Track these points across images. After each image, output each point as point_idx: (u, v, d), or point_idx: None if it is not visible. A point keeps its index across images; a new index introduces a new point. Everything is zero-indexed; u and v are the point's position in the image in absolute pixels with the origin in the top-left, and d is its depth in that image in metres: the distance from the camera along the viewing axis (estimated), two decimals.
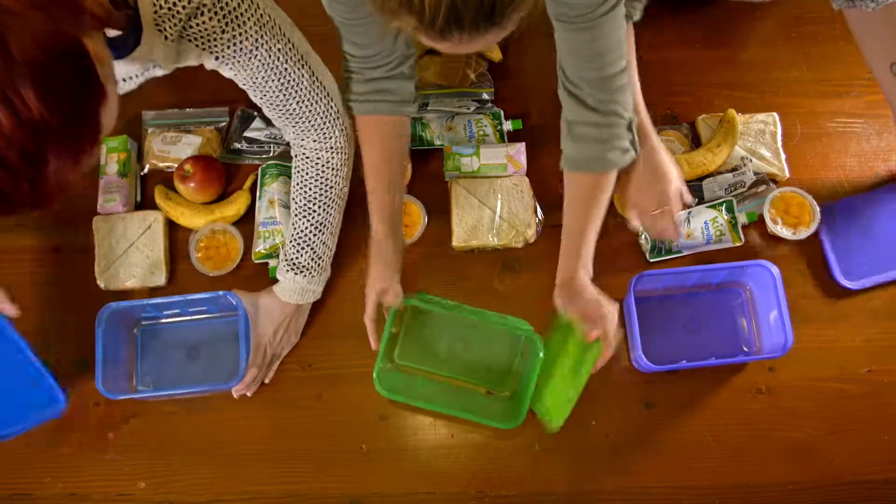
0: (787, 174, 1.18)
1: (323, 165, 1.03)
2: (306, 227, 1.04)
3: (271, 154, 1.20)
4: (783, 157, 1.19)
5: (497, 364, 1.10)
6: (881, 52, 0.99)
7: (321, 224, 1.04)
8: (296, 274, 1.04)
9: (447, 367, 1.10)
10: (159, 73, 0.92)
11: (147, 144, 1.20)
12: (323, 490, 1.06)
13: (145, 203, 1.19)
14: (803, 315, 1.10)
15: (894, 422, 1.08)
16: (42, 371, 0.99)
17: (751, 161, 1.17)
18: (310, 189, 1.04)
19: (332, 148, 1.03)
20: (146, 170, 1.20)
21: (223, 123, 1.23)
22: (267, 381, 1.10)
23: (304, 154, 1.04)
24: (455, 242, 1.13)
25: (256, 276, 1.13)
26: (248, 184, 1.18)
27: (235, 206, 1.16)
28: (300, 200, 1.04)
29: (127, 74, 0.91)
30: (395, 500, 1.06)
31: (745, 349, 1.10)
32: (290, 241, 1.05)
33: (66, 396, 0.99)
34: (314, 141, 1.02)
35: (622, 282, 1.06)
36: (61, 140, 0.60)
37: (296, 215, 1.05)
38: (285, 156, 1.20)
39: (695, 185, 1.16)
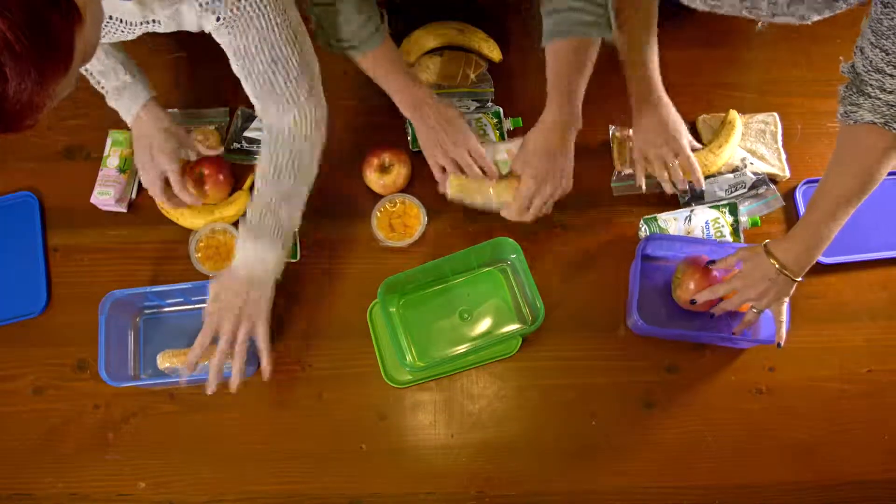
0: (787, 174, 1.18)
1: (298, 139, 1.02)
2: (272, 196, 1.01)
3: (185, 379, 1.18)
4: (784, 156, 1.19)
5: (505, 307, 1.12)
6: None
7: (287, 195, 1.02)
8: (256, 241, 1.00)
9: (467, 340, 1.10)
10: (159, 29, 0.92)
11: None
12: (323, 490, 1.06)
13: (140, 201, 1.19)
14: (803, 314, 1.10)
15: (894, 422, 1.08)
16: (42, 268, 1.11)
17: (752, 163, 1.17)
18: (281, 159, 1.01)
19: (310, 124, 1.02)
20: None
21: (223, 123, 1.23)
22: (266, 374, 1.04)
23: (278, 128, 1.03)
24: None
25: None
26: (247, 184, 1.18)
27: (235, 206, 1.16)
28: (269, 170, 1.02)
29: (125, 16, 0.90)
30: (395, 500, 1.06)
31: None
32: (254, 210, 1.01)
33: (47, 303, 1.11)
34: (294, 118, 1.02)
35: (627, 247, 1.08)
36: (21, 58, 0.57)
37: (263, 185, 1.02)
38: None
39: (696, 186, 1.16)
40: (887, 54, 0.82)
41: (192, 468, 1.07)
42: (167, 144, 1.08)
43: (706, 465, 1.06)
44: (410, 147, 1.19)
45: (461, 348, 1.10)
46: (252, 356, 1.03)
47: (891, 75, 0.83)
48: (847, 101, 0.90)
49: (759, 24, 1.02)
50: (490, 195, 1.09)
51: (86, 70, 1.05)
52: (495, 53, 1.26)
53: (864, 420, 1.08)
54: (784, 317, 1.01)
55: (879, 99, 0.87)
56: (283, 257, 1.03)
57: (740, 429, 1.08)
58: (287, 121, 1.02)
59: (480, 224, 1.16)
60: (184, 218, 1.15)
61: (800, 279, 0.98)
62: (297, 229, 1.06)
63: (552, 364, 1.11)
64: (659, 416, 1.08)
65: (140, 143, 1.09)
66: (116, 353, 1.07)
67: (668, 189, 1.14)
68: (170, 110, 1.22)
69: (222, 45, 0.94)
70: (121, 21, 0.91)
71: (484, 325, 1.11)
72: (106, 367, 1.03)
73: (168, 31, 0.92)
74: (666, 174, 1.13)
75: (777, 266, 0.97)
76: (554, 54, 1.04)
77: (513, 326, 1.10)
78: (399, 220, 1.16)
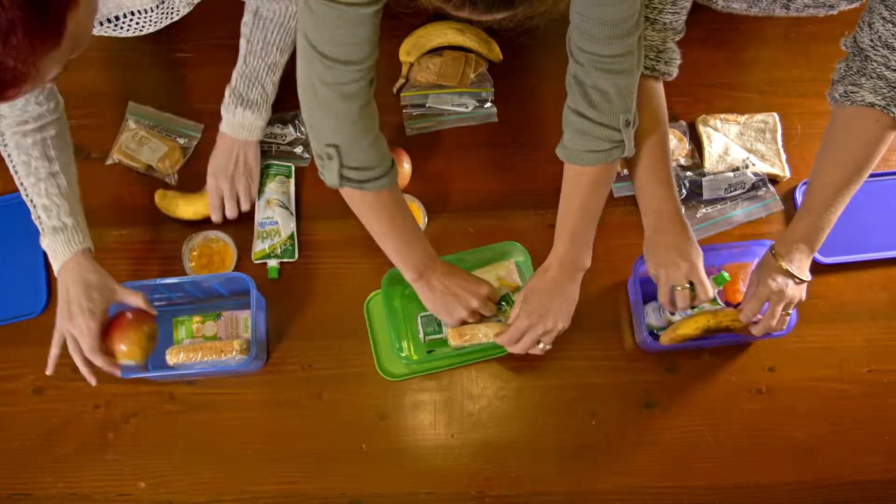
0: (787, 174, 1.18)
1: (289, 16, 1.08)
2: (260, 66, 1.10)
3: (272, 153, 1.20)
4: (784, 157, 1.19)
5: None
6: None
7: (275, 66, 1.11)
8: (244, 109, 1.10)
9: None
10: (183, 9, 0.93)
11: (121, 136, 1.20)
12: (323, 490, 1.06)
13: (139, 202, 1.19)
14: (803, 314, 1.10)
15: (894, 422, 1.08)
16: (42, 268, 1.12)
17: (753, 164, 1.17)
18: (271, 33, 1.09)
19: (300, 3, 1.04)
20: (112, 160, 1.20)
21: (194, 141, 1.22)
22: (245, 208, 1.15)
23: (268, 4, 1.07)
24: None
25: (255, 277, 1.13)
26: None
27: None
28: (257, 41, 1.09)
29: (142, 6, 0.92)
30: (395, 500, 1.06)
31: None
32: (241, 78, 1.10)
33: (47, 303, 1.12)
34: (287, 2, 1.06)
35: (625, 263, 1.06)
36: (13, 22, 0.58)
37: (249, 55, 1.10)
38: (284, 156, 1.20)
39: (696, 183, 1.16)
40: None
41: (192, 468, 1.07)
42: (88, 303, 0.97)
43: (706, 465, 1.06)
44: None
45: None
46: (255, 357, 1.03)
47: None
48: (847, 80, 0.88)
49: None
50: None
51: (29, 200, 1.01)
52: (495, 53, 1.26)
53: (864, 420, 1.08)
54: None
55: (883, 79, 0.85)
56: (265, 122, 1.13)
57: (740, 429, 1.08)
58: (280, 3, 1.06)
59: (481, 224, 1.16)
60: (179, 209, 1.16)
61: (807, 278, 0.96)
62: (274, 95, 1.14)
63: (551, 364, 1.11)
64: (659, 416, 1.08)
65: (62, 297, 0.99)
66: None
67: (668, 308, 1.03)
68: (152, 108, 1.21)
69: None
70: (132, 14, 0.91)
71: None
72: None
73: (183, 10, 0.91)
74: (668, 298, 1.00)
75: (786, 268, 0.94)
76: (569, 180, 0.97)
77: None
78: None
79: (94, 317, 0.96)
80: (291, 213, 1.16)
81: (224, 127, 1.12)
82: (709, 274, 0.99)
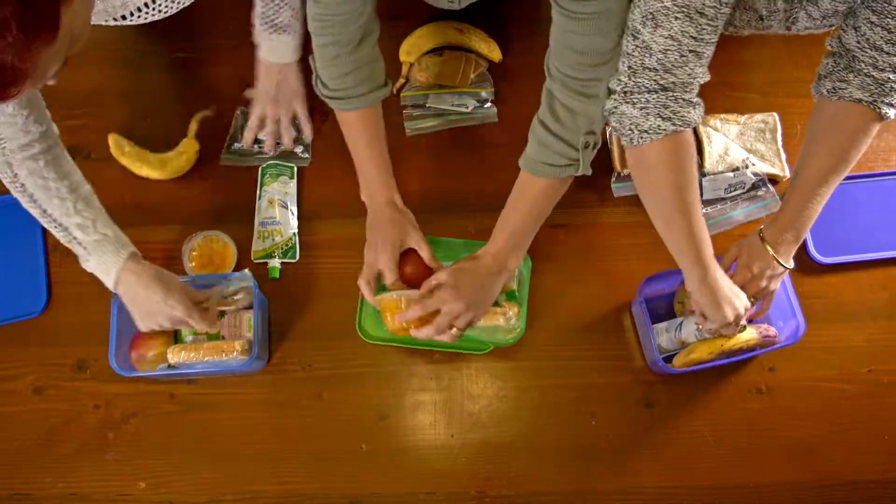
0: (787, 174, 1.18)
1: None
2: None
3: (271, 154, 1.20)
4: (784, 157, 1.19)
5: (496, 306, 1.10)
6: None
7: None
8: (276, 33, 1.10)
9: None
10: None
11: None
12: (323, 490, 1.06)
13: (138, 202, 1.19)
14: (803, 314, 1.10)
15: (894, 422, 1.08)
16: (42, 268, 1.11)
17: (753, 164, 1.17)
18: None
19: None
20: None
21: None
22: (307, 138, 1.18)
23: None
24: None
25: (256, 276, 1.13)
26: (193, 130, 1.19)
27: (185, 156, 1.18)
28: None
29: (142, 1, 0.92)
30: (395, 500, 1.06)
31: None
32: (267, 4, 1.08)
33: (47, 303, 1.11)
34: None
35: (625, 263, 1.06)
36: (6, 19, 0.58)
37: None
38: (285, 156, 1.20)
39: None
40: (889, 32, 0.81)
41: (192, 468, 1.07)
42: (170, 302, 0.97)
43: (706, 465, 1.06)
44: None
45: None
46: (256, 358, 1.03)
47: (888, 53, 0.83)
48: (835, 76, 0.89)
49: None
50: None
51: (57, 225, 0.96)
52: (495, 53, 1.26)
53: (864, 420, 1.08)
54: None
55: (871, 77, 0.86)
56: (300, 41, 1.12)
57: (740, 429, 1.08)
58: None
59: (481, 224, 1.17)
60: (135, 167, 1.17)
61: (788, 266, 0.98)
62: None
63: (552, 364, 1.11)
64: (659, 416, 1.08)
65: (134, 307, 0.99)
66: (126, 345, 1.07)
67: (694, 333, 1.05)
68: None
69: None
70: (138, 10, 0.91)
71: None
72: (116, 356, 1.03)
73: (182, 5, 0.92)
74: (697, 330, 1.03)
75: (771, 253, 0.96)
76: (521, 183, 1.00)
77: (496, 315, 1.08)
78: None
79: (179, 309, 0.97)
80: (293, 214, 1.16)
81: (262, 53, 1.13)
82: None
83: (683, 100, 0.83)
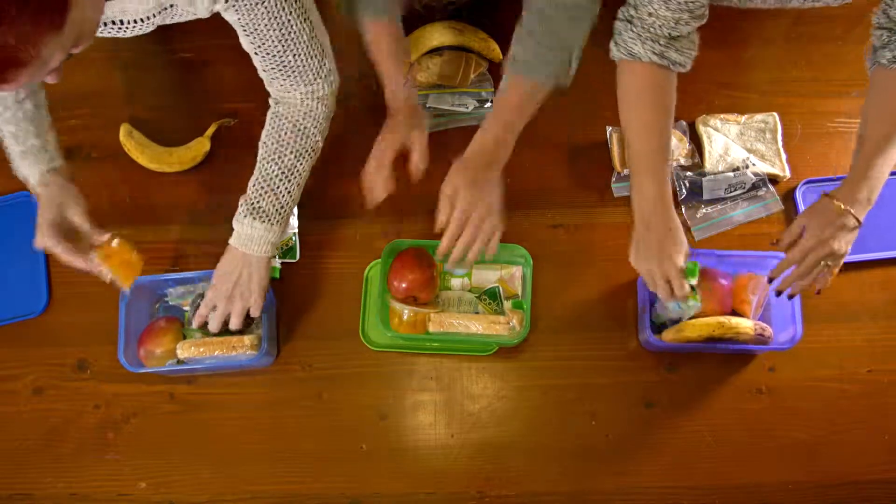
0: (787, 174, 1.18)
1: (305, 114, 1.02)
2: (273, 172, 1.01)
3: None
4: (784, 156, 1.19)
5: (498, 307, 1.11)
6: None
7: (290, 171, 1.01)
8: (253, 219, 1.00)
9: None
10: (175, 17, 0.92)
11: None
12: (323, 490, 1.06)
13: (138, 202, 1.19)
14: (803, 314, 1.10)
15: (894, 422, 1.08)
16: (42, 268, 1.11)
17: (753, 164, 1.17)
18: (285, 134, 1.01)
19: (318, 98, 1.02)
20: None
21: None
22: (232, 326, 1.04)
23: (286, 101, 1.02)
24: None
25: None
26: (209, 131, 1.20)
27: (192, 153, 1.18)
28: (271, 145, 1.02)
29: (144, 14, 0.91)
30: (395, 500, 1.06)
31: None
32: (254, 186, 1.02)
33: (47, 303, 1.11)
34: (301, 93, 1.01)
35: (626, 263, 1.04)
36: (7, 9, 0.58)
37: (263, 160, 1.02)
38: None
39: (696, 183, 1.16)
40: None
41: (192, 468, 1.07)
42: (79, 208, 1.00)
43: (706, 465, 1.06)
44: None
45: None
46: (265, 353, 1.03)
47: None
48: (892, 45, 0.91)
49: None
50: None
51: None
52: (495, 54, 1.26)
53: (864, 420, 1.08)
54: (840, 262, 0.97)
55: None
56: (280, 235, 1.03)
57: (740, 429, 1.08)
58: (294, 95, 1.02)
59: None
60: (143, 157, 1.18)
61: (861, 218, 0.93)
62: (296, 203, 1.06)
63: (552, 364, 1.11)
64: (659, 416, 1.08)
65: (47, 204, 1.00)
66: (134, 341, 1.07)
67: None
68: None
69: (231, 23, 0.94)
70: (135, 21, 0.91)
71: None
72: (125, 352, 1.03)
73: (182, 19, 0.92)
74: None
75: (840, 204, 0.92)
76: (514, 86, 1.00)
77: (498, 325, 1.08)
78: None
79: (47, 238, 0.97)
80: (294, 214, 1.16)
81: (233, 239, 1.02)
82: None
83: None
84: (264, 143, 1.03)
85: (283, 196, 1.01)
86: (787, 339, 1.04)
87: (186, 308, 1.09)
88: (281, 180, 1.01)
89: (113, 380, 1.10)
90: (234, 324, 1.03)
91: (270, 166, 1.01)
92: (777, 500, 1.05)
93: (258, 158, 1.03)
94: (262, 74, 1.01)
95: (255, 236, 1.00)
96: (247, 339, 1.03)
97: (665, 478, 1.06)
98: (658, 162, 0.97)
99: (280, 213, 1.02)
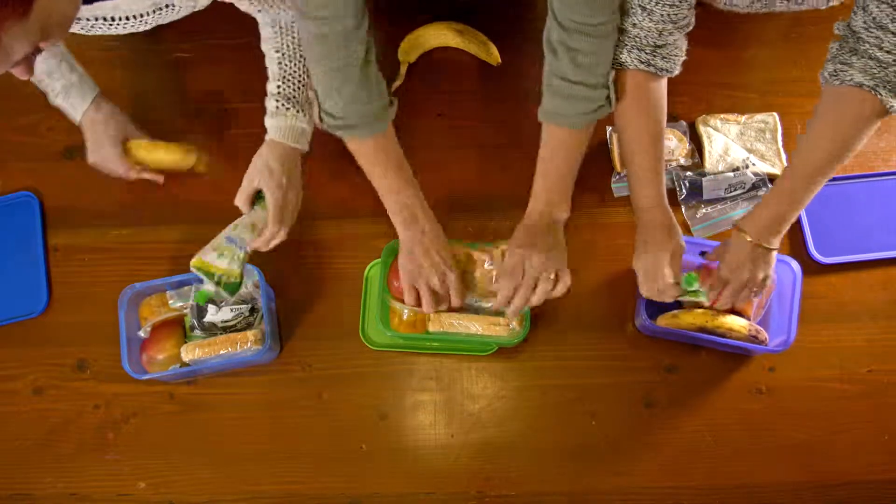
0: None
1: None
2: (300, 69, 1.02)
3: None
4: (784, 156, 1.19)
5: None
6: None
7: (307, 71, 1.00)
8: (297, 111, 1.01)
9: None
10: (172, 15, 0.91)
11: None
12: (323, 490, 1.06)
13: (139, 201, 1.18)
14: (804, 314, 1.09)
15: (894, 422, 1.08)
16: (42, 268, 1.12)
17: (753, 164, 1.17)
18: (289, 34, 1.03)
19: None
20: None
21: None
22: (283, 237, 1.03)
23: (285, 15, 1.03)
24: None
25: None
26: (199, 165, 1.13)
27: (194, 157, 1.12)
28: (288, 46, 1.03)
29: (138, 11, 0.91)
30: (395, 500, 1.06)
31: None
32: (284, 81, 1.02)
33: (47, 303, 1.11)
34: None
35: (626, 263, 1.05)
36: None
37: (285, 59, 1.02)
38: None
39: (696, 183, 1.16)
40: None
41: (192, 468, 1.07)
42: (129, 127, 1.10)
43: (706, 465, 1.06)
44: None
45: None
46: (269, 348, 1.03)
47: (893, 33, 0.83)
48: (838, 59, 0.89)
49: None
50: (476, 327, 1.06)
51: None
52: (493, 56, 1.26)
53: (864, 420, 1.08)
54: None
55: (873, 59, 0.85)
56: (311, 127, 1.04)
57: (740, 429, 1.08)
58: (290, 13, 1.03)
59: (480, 223, 1.17)
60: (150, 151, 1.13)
61: (775, 247, 0.96)
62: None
63: (552, 364, 1.11)
64: (659, 416, 1.08)
65: (97, 130, 1.08)
66: (135, 347, 1.07)
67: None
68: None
69: None
70: (128, 18, 0.91)
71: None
72: (128, 359, 1.03)
73: (181, 15, 0.91)
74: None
75: (749, 239, 0.95)
76: (550, 138, 1.00)
77: (498, 327, 1.09)
78: None
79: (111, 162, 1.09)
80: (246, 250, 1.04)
81: (274, 132, 1.01)
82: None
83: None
84: (279, 49, 1.03)
85: (311, 93, 1.01)
86: (781, 342, 1.04)
87: (186, 311, 1.08)
88: (308, 77, 1.01)
89: (113, 380, 1.10)
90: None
91: (295, 65, 1.02)
92: (777, 500, 1.05)
93: (274, 63, 1.03)
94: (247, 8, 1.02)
95: (299, 127, 1.02)
96: (250, 334, 1.03)
97: (665, 478, 1.06)
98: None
99: (312, 107, 1.01)
